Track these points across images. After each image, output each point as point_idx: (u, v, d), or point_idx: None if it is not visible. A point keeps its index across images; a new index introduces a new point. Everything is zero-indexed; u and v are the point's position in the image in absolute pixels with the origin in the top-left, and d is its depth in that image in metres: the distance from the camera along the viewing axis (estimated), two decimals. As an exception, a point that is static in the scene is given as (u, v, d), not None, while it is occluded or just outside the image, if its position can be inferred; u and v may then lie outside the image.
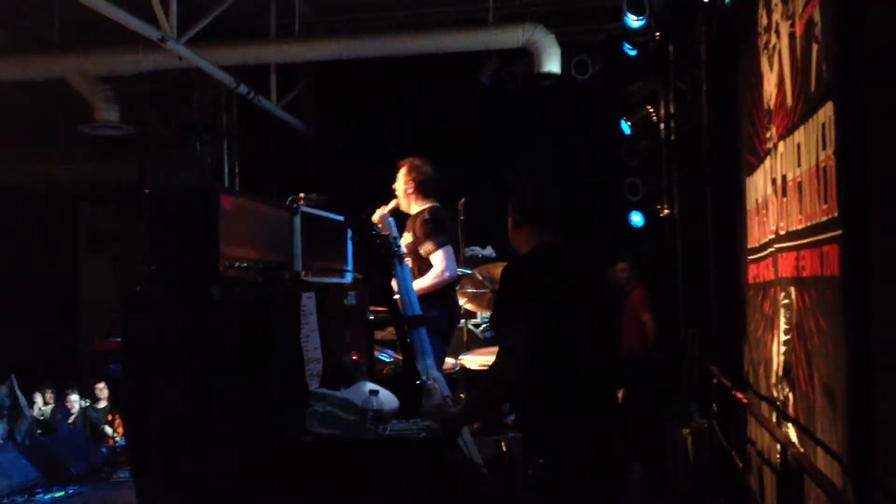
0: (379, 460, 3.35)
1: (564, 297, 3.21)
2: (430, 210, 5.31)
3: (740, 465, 5.39)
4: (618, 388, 3.35)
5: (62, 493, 7.28)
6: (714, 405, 6.12)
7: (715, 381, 5.97)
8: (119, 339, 3.60)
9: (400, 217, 5.29)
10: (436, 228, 5.20)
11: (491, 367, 3.24)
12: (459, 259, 6.71)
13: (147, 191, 3.39)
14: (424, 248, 5.16)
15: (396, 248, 4.28)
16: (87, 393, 9.09)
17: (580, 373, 3.17)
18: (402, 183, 5.36)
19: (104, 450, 8.39)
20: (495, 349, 6.70)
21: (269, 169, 10.01)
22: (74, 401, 8.83)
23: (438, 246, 5.14)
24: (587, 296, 3.34)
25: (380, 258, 4.12)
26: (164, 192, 3.40)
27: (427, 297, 4.96)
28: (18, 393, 8.46)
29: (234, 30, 8.88)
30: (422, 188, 5.35)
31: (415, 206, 5.36)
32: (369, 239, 4.14)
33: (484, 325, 7.71)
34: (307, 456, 3.37)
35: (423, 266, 5.19)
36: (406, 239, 5.22)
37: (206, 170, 10.03)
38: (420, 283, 5.00)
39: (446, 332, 5.25)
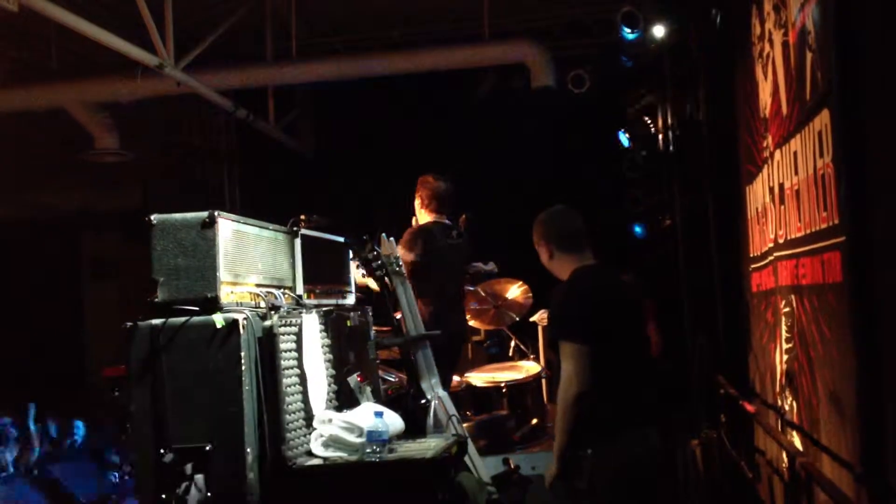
0: (386, 482, 3.34)
1: (611, 313, 3.60)
2: (425, 224, 5.35)
3: (750, 475, 5.36)
4: (654, 389, 3.72)
5: (72, 524, 7.26)
6: (722, 415, 6.10)
7: (722, 391, 5.95)
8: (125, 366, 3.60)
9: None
10: (413, 242, 5.18)
11: (559, 394, 3.51)
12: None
13: (147, 219, 3.40)
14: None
15: (398, 268, 4.28)
16: (94, 420, 9.07)
17: (623, 380, 3.56)
18: (416, 198, 5.45)
19: (112, 477, 8.37)
20: (501, 365, 6.72)
21: (270, 191, 10.03)
22: (80, 428, 8.81)
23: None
24: (627, 309, 3.72)
25: (380, 278, 4.13)
26: (164, 220, 3.41)
27: (429, 315, 4.95)
28: (31, 424, 8.44)
29: (231, 54, 8.92)
30: (433, 203, 5.40)
31: (424, 219, 5.40)
32: (369, 260, 4.15)
33: (489, 342, 7.69)
34: (313, 479, 3.36)
35: (421, 283, 5.16)
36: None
37: (206, 196, 10.08)
38: None
39: (450, 350, 5.23)
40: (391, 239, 4.40)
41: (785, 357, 4.32)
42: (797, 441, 4.08)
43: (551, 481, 3.58)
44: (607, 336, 3.54)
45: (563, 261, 3.75)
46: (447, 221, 5.60)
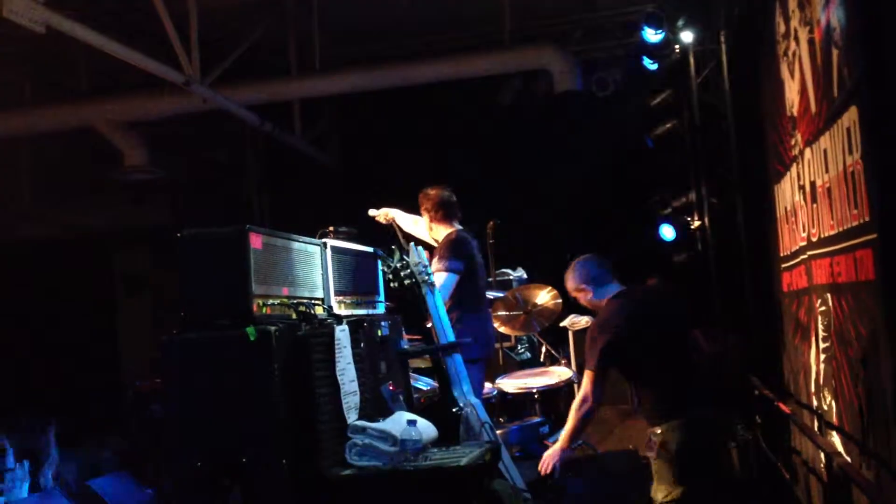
0: (420, 490, 3.34)
1: (637, 332, 4.23)
2: (457, 233, 5.32)
3: (787, 476, 5.32)
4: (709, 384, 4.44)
5: (112, 537, 7.31)
6: (757, 417, 6.05)
7: (757, 391, 5.91)
8: (160, 380, 3.64)
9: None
10: (454, 253, 5.15)
11: (575, 406, 4.31)
12: (491, 283, 6.71)
13: (178, 235, 3.44)
14: (434, 265, 4.99)
15: (427, 276, 4.29)
16: (130, 433, 9.15)
17: (665, 377, 4.22)
18: (423, 214, 5.42)
19: (150, 490, 8.43)
20: (532, 371, 6.78)
21: (298, 204, 10.09)
22: (118, 442, 8.90)
23: (446, 270, 5.02)
24: (657, 324, 4.31)
25: (409, 287, 4.14)
26: (195, 234, 3.44)
27: (459, 322, 4.94)
28: (52, 442, 8.52)
29: (255, 68, 8.99)
30: (440, 212, 5.37)
31: (441, 231, 5.37)
32: (398, 269, 4.16)
33: (521, 349, 7.68)
34: (349, 489, 3.37)
35: (461, 292, 5.14)
36: (434, 265, 5.20)
37: (235, 210, 10.15)
38: None
39: (481, 357, 5.21)
40: (419, 248, 4.41)
41: (822, 356, 4.28)
42: (837, 441, 4.03)
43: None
44: (634, 350, 4.22)
45: (596, 298, 4.41)
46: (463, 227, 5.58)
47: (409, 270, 4.20)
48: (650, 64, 8.09)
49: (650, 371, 4.26)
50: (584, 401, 4.25)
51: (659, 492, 4.16)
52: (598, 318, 4.33)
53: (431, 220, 5.41)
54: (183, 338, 3.39)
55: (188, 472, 3.38)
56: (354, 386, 3.71)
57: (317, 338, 3.49)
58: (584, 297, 4.45)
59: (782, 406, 5.19)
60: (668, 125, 8.42)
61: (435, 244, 5.35)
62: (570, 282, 4.48)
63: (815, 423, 4.57)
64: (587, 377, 4.26)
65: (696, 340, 7.65)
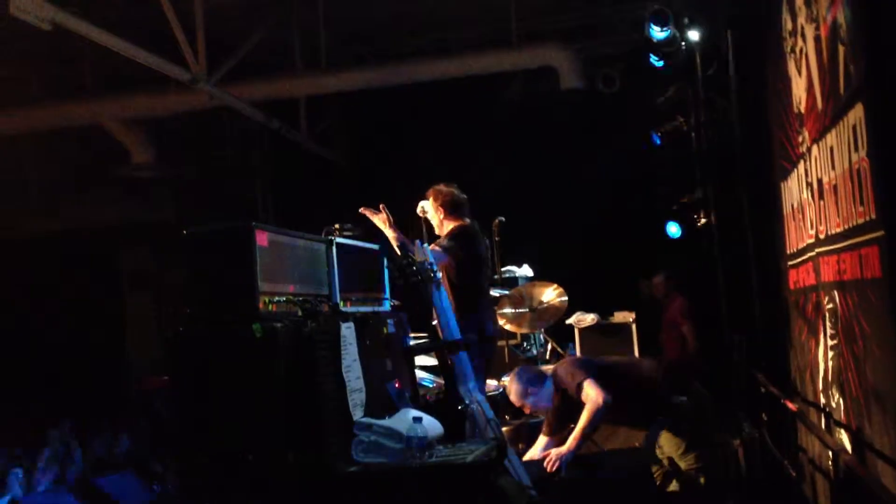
0: (426, 487, 3.34)
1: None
2: (467, 225, 5.28)
3: (793, 474, 5.31)
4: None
5: (118, 535, 7.33)
6: (763, 414, 6.04)
7: (763, 389, 5.90)
8: (165, 377, 3.64)
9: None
10: (451, 240, 5.13)
11: (589, 410, 4.60)
12: (496, 281, 6.71)
13: (184, 232, 3.44)
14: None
15: (433, 274, 4.28)
16: (135, 431, 9.18)
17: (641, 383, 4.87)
18: (432, 211, 5.35)
19: (156, 487, 8.45)
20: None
21: (304, 201, 10.09)
22: (123, 440, 8.93)
23: (439, 247, 5.01)
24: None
25: (415, 285, 4.13)
26: (201, 232, 3.45)
27: (462, 319, 4.91)
28: (71, 438, 8.56)
29: (261, 66, 9.00)
30: (451, 210, 5.32)
31: (449, 227, 5.34)
32: (404, 266, 4.16)
33: (527, 346, 7.67)
34: (355, 486, 3.38)
35: (457, 291, 5.12)
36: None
37: (240, 207, 10.17)
38: None
39: (484, 355, 5.19)
40: (425, 245, 4.40)
41: (830, 354, 4.27)
42: (845, 439, 4.02)
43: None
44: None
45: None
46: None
47: (414, 268, 4.20)
48: (656, 61, 8.08)
49: (626, 378, 4.84)
50: (598, 406, 4.55)
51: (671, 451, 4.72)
52: (563, 377, 4.78)
53: (445, 217, 5.37)
54: (188, 334, 3.39)
55: (194, 468, 3.39)
56: (360, 383, 3.70)
57: (322, 335, 3.49)
58: (533, 401, 4.91)
59: (789, 404, 5.18)
60: (674, 122, 8.41)
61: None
62: (514, 395, 4.97)
63: (822, 421, 4.57)
64: (590, 385, 4.61)
65: (685, 335, 7.70)
